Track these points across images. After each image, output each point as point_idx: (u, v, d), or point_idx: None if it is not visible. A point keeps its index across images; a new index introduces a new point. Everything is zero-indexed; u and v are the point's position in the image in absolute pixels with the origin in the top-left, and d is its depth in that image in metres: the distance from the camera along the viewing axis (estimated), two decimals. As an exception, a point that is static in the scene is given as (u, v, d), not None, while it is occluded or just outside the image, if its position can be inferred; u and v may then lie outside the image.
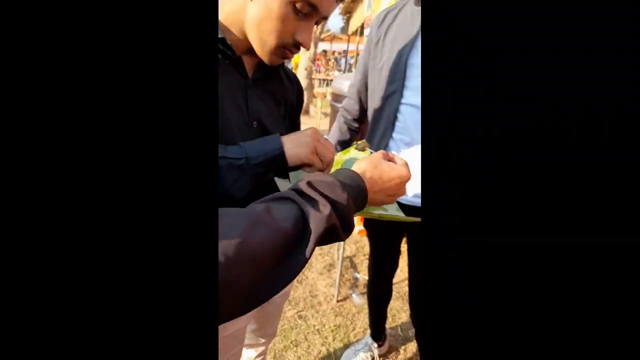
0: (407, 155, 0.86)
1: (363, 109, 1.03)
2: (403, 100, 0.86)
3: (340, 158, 0.65)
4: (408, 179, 0.47)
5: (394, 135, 0.89)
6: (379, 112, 0.91)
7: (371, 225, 1.17)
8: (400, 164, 0.48)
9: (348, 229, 0.38)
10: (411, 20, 0.86)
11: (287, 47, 0.48)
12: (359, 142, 0.66)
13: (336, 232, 0.35)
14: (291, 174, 0.52)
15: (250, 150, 0.45)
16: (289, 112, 0.65)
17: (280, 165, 0.47)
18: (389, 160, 0.49)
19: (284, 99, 0.62)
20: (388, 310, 1.39)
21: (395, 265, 1.23)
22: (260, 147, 0.46)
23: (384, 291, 1.29)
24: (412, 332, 1.56)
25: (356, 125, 1.08)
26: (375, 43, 0.93)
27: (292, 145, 0.47)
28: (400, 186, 0.47)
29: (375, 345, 1.40)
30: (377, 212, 0.58)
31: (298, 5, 0.44)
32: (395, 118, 0.87)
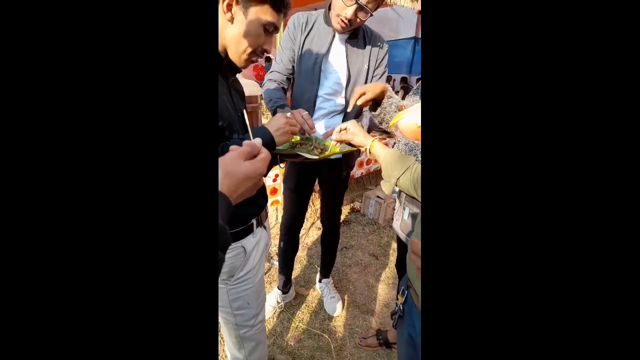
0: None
1: (289, 80, 1.34)
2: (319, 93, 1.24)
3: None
4: (262, 173, 0.48)
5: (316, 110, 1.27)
6: (301, 95, 1.28)
7: (287, 186, 1.47)
8: (260, 159, 0.49)
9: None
10: (324, 34, 1.19)
11: (257, 53, 0.74)
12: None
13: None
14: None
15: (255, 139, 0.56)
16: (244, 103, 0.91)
17: (272, 146, 0.77)
18: (250, 156, 0.49)
19: (242, 93, 0.90)
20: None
21: (302, 222, 1.57)
22: (257, 135, 0.73)
23: (294, 244, 1.62)
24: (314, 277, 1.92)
25: (286, 86, 1.36)
26: (295, 38, 1.22)
27: (275, 129, 0.77)
28: (257, 181, 0.48)
29: (281, 293, 1.69)
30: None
31: (267, 27, 0.70)
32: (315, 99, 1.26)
